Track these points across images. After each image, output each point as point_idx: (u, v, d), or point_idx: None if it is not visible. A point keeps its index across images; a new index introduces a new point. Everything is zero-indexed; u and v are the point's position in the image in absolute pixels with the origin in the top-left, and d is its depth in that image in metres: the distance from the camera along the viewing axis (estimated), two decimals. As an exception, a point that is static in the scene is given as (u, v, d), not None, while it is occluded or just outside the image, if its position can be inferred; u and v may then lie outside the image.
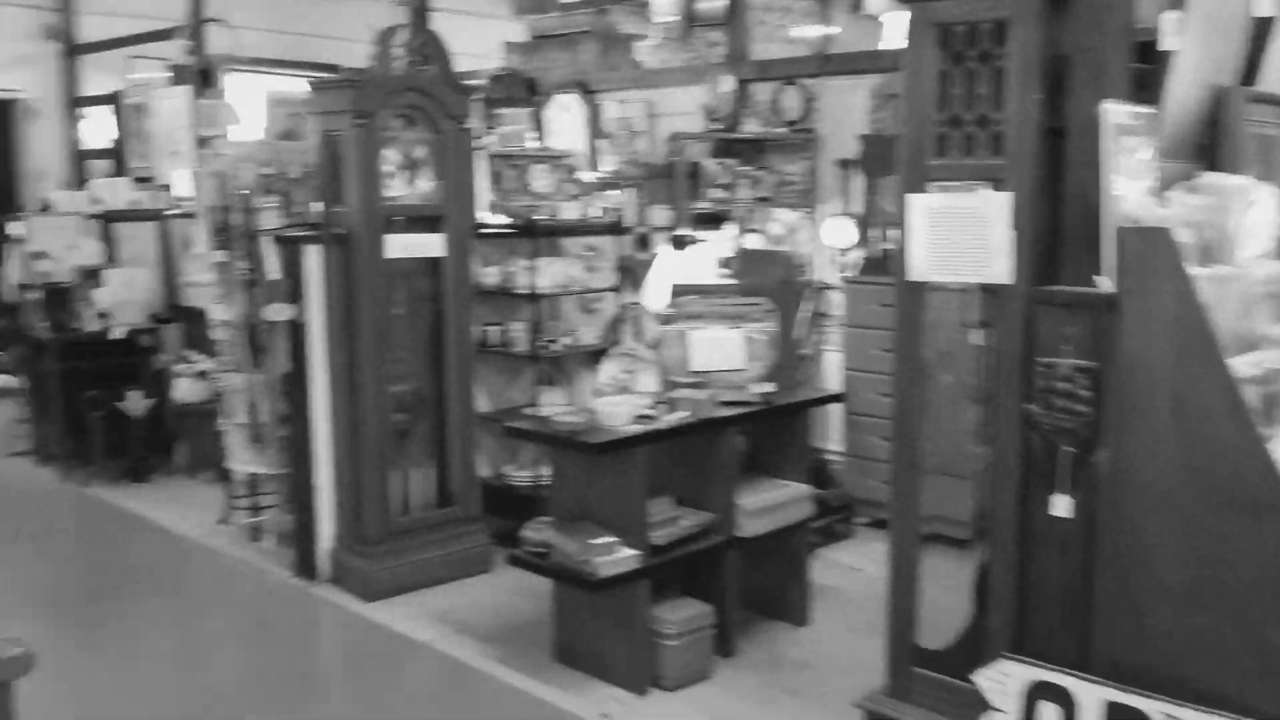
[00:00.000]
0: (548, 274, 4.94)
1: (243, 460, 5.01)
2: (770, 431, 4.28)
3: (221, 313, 4.89)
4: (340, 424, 4.61)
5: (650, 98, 6.59)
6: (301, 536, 4.71)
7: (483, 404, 5.15)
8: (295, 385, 4.61)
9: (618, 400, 3.80)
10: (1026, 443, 2.77)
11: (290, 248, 4.56)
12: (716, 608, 3.91)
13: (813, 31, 6.04)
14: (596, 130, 6.75)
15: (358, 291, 4.44)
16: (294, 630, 4.34)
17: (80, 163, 10.44)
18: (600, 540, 3.63)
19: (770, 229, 6.05)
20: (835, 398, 4.72)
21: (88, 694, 3.77)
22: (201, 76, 9.00)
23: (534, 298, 4.88)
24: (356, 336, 4.47)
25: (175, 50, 9.02)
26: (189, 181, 7.03)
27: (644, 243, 5.69)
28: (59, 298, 6.14)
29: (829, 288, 5.69)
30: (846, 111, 5.66)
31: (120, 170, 9.58)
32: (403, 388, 4.66)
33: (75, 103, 10.42)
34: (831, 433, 5.58)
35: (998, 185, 2.78)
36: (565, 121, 7.12)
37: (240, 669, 4.01)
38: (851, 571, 4.81)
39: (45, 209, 6.49)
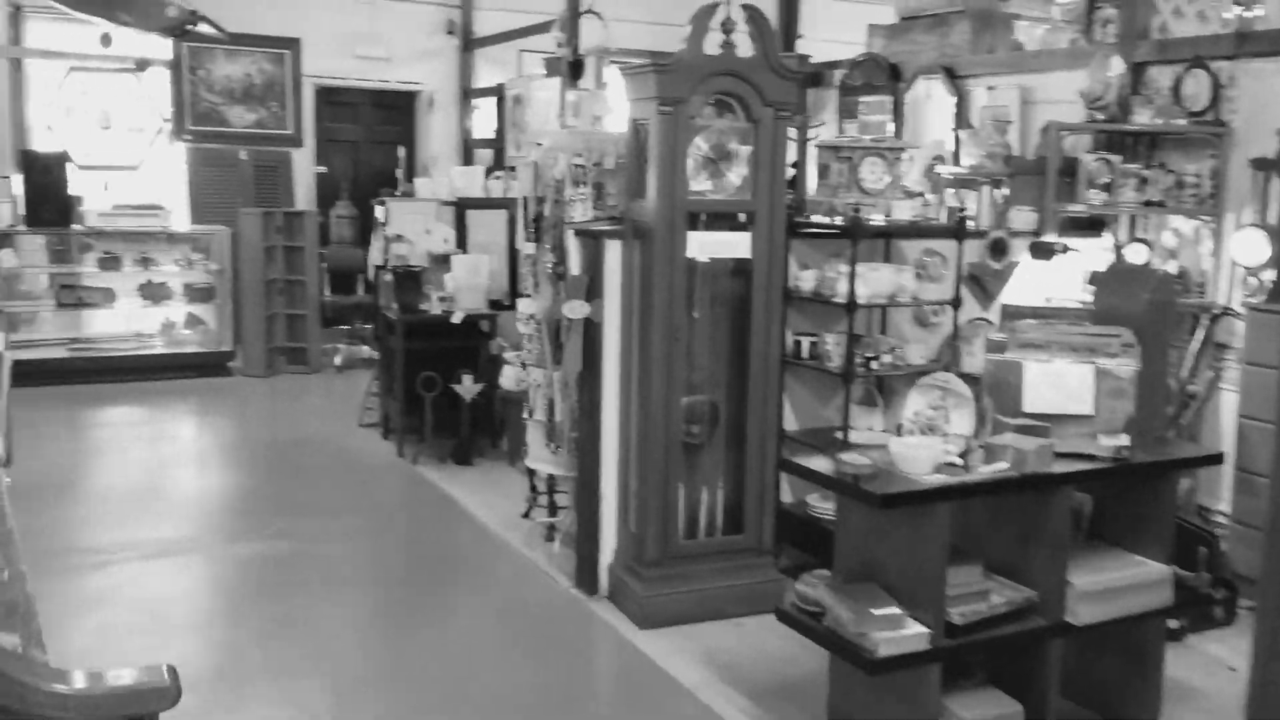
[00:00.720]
0: (871, 281, 4.33)
1: (539, 458, 4.85)
2: (1123, 494, 3.44)
3: (528, 306, 4.74)
4: (628, 431, 4.30)
5: (1026, 83, 5.72)
6: (584, 547, 4.47)
7: (789, 422, 4.65)
8: (587, 386, 4.36)
9: (920, 443, 3.16)
10: None
11: (591, 242, 4.30)
12: (1030, 706, 3.18)
13: (1232, 5, 4.93)
14: (961, 120, 5.98)
15: (653, 291, 4.09)
16: (560, 648, 4.09)
17: (468, 151, 11.04)
18: (884, 611, 3.03)
19: (1161, 240, 5.03)
20: (1213, 459, 3.73)
21: (359, 673, 3.73)
22: (572, 68, 9.16)
23: (853, 307, 4.29)
24: (649, 339, 4.13)
25: (552, 43, 9.26)
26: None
27: (999, 249, 4.90)
28: (410, 280, 6.35)
29: (1231, 314, 4.61)
30: (1268, 101, 4.53)
31: (499, 160, 10.00)
32: (698, 397, 4.27)
33: (467, 94, 11.01)
34: (1219, 492, 4.53)
35: None
36: (927, 110, 6.40)
37: (498, 678, 3.80)
38: (1222, 669, 3.83)
39: (405, 194, 6.76)
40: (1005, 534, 3.25)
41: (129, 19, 7.92)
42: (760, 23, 4.05)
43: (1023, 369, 3.30)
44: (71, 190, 8.27)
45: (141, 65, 8.54)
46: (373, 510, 5.60)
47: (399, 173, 6.73)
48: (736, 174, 4.12)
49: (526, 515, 5.25)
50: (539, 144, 4.68)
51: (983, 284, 4.94)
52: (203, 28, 8.77)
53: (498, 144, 10.25)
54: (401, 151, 6.88)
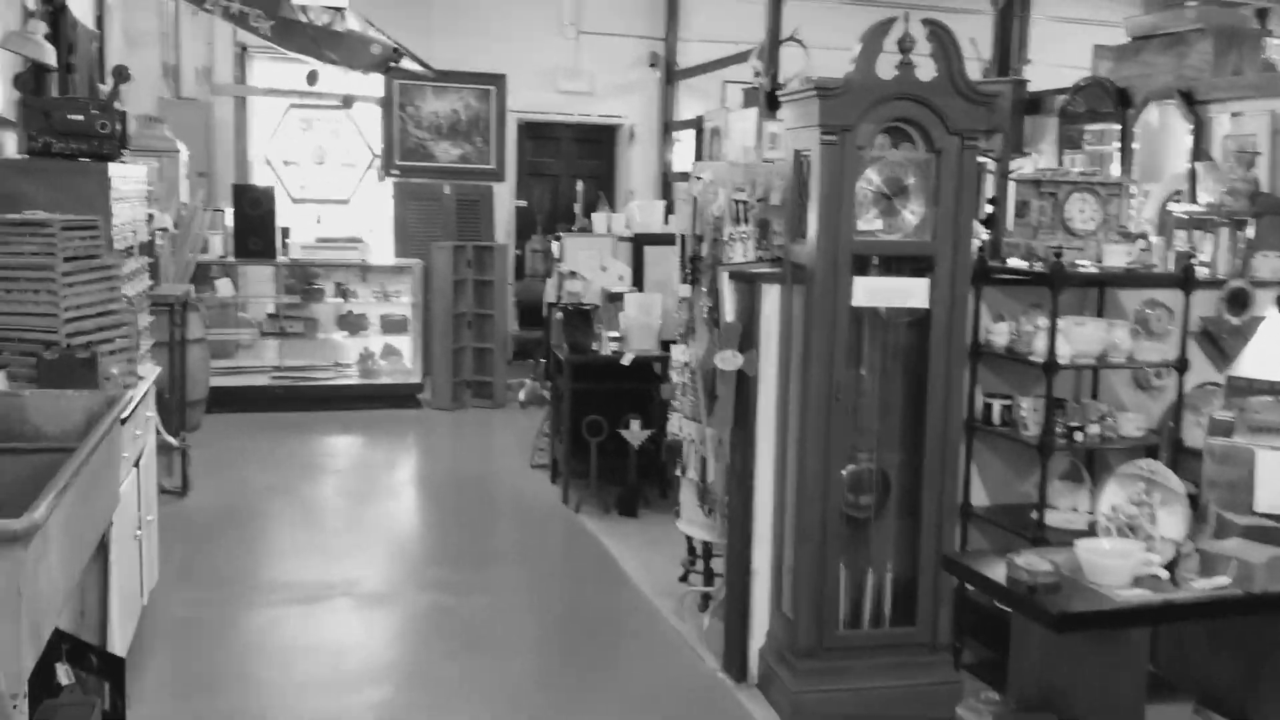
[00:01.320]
0: (1075, 337, 3.70)
1: (692, 521, 4.45)
2: (1393, 621, 2.70)
3: (682, 353, 4.36)
4: (783, 499, 3.83)
5: (1278, 109, 4.89)
6: (733, 626, 4.02)
7: (977, 496, 4.05)
8: (740, 447, 3.93)
9: (1116, 549, 2.56)
10: None
11: (746, 286, 3.88)
12: None
13: None
14: (1199, 151, 5.18)
15: (813, 343, 3.62)
16: (698, 740, 3.66)
17: (666, 184, 10.82)
18: (1060, 752, 2.46)
19: None
20: None
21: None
22: (769, 99, 8.76)
23: (1053, 368, 3.67)
24: (808, 397, 3.66)
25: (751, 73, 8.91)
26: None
27: (1239, 302, 4.14)
28: (581, 318, 6.10)
29: None
30: None
31: (697, 192, 9.71)
32: (865, 465, 3.75)
33: (668, 127, 10.80)
34: None
35: None
36: (1161, 140, 5.62)
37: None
38: None
39: (582, 229, 6.53)
40: (1225, 664, 2.60)
41: (335, 57, 8.11)
42: (944, 38, 3.53)
43: (1255, 457, 2.64)
44: (280, 223, 8.54)
45: (347, 102, 8.77)
46: (527, 562, 5.34)
47: (576, 207, 6.52)
48: (913, 212, 3.60)
49: (684, 579, 4.85)
50: (698, 178, 4.31)
51: (1218, 342, 4.18)
52: (407, 64, 8.95)
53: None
54: (580, 185, 6.68)
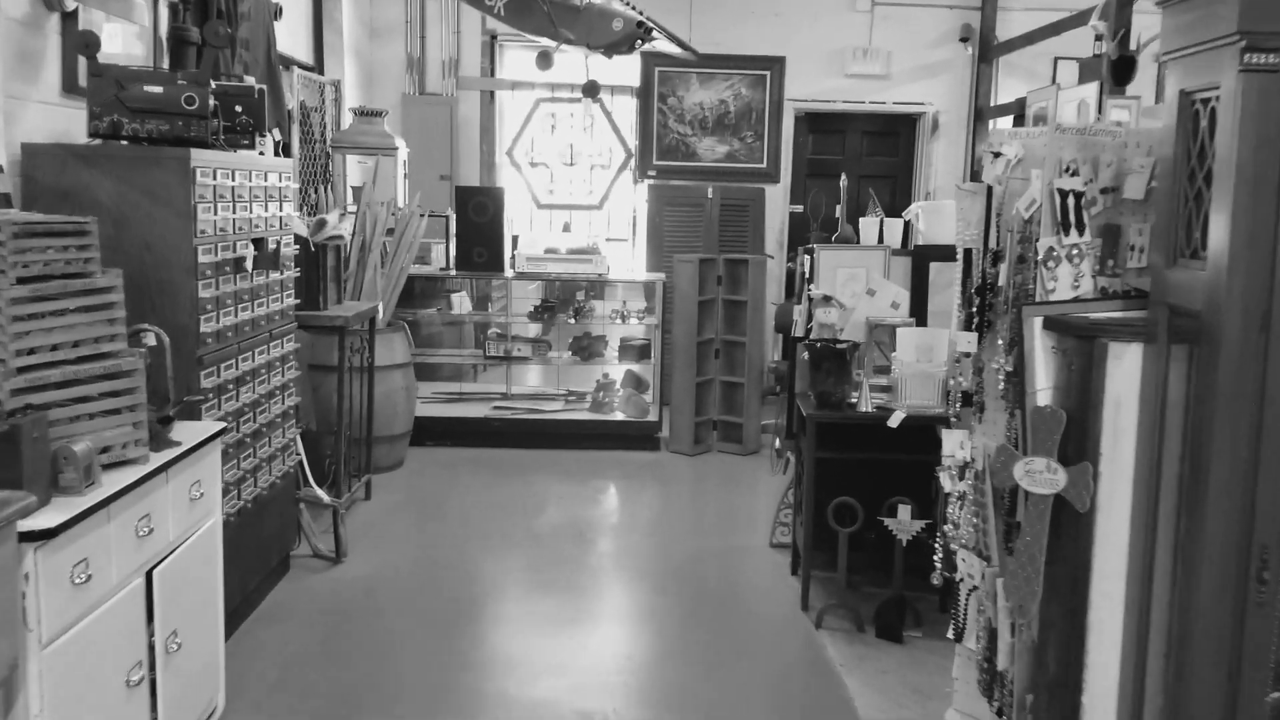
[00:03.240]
0: None
1: (970, 714, 2.75)
2: None
3: (957, 445, 2.68)
4: (1132, 686, 2.09)
5: None
6: None
7: None
8: (1059, 632, 2.22)
9: None
10: None
11: (1079, 344, 2.17)
12: None
13: None
14: None
15: (1214, 454, 1.88)
16: None
17: (976, 182, 8.89)
18: None
19: None
20: None
21: None
22: (1117, 69, 6.71)
23: None
24: (1201, 554, 1.92)
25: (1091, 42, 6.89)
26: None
27: None
28: (833, 361, 4.48)
29: None
30: None
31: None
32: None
33: (980, 114, 8.88)
34: None
35: None
36: None
37: None
38: None
39: (842, 239, 4.90)
40: None
41: (572, 35, 6.92)
42: None
43: None
44: (509, 231, 7.48)
45: (591, 90, 7.58)
46: (730, 706, 3.80)
47: (839, 209, 4.89)
48: None
49: (958, 773, 3.15)
50: (996, 153, 2.60)
51: None
52: (664, 46, 7.64)
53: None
54: (844, 180, 5.04)
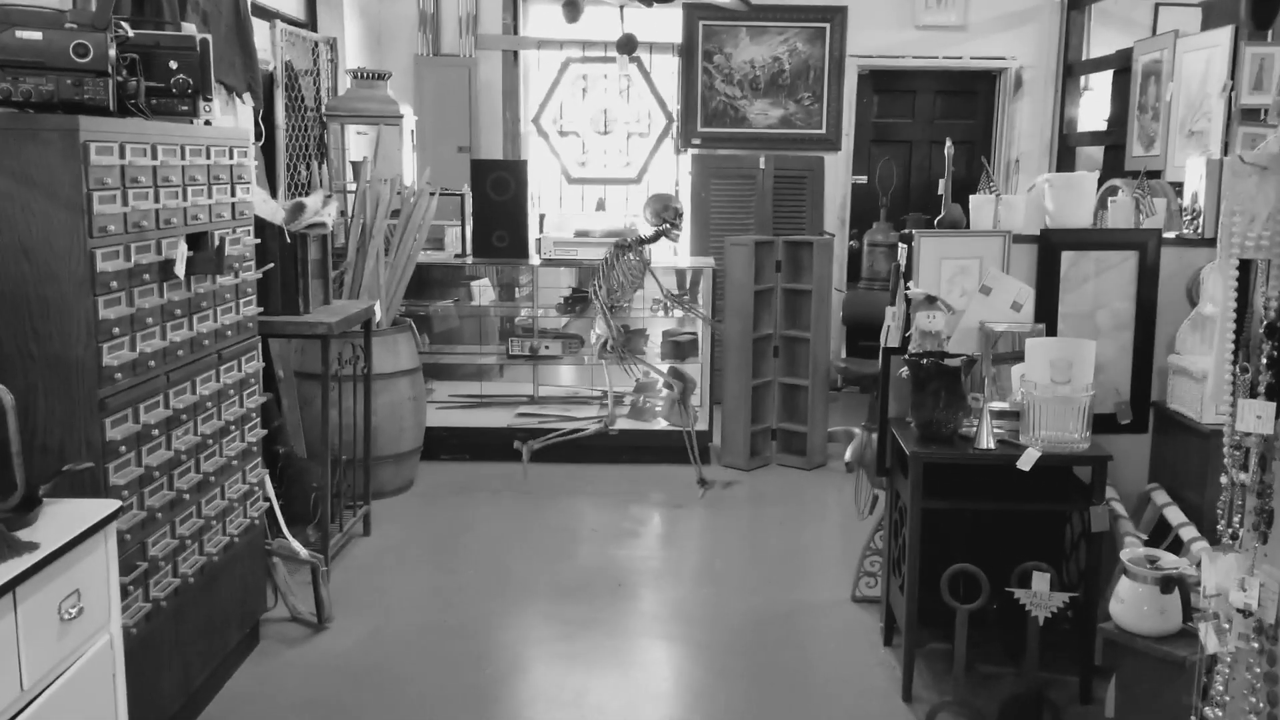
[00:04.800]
0: None
1: None
2: None
3: (1231, 577, 1.68)
4: None
5: None
6: None
7: None
8: None
9: None
10: None
11: None
12: None
13: None
14: None
15: None
16: None
17: (1065, 151, 7.81)
18: None
19: None
20: None
21: None
22: (1258, 9, 5.61)
23: None
24: None
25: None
26: (1199, 177, 3.86)
27: None
28: (941, 382, 3.47)
29: None
30: None
31: (1117, 163, 6.71)
32: None
33: (1071, 70, 7.77)
34: None
35: None
36: None
37: None
38: None
39: (948, 223, 3.88)
40: None
41: (603, -17, 5.94)
42: None
43: None
44: (535, 210, 6.52)
45: (627, 45, 6.58)
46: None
47: (942, 185, 3.87)
48: None
49: None
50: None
51: None
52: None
53: (1115, 139, 6.94)
54: (949, 148, 4.01)
